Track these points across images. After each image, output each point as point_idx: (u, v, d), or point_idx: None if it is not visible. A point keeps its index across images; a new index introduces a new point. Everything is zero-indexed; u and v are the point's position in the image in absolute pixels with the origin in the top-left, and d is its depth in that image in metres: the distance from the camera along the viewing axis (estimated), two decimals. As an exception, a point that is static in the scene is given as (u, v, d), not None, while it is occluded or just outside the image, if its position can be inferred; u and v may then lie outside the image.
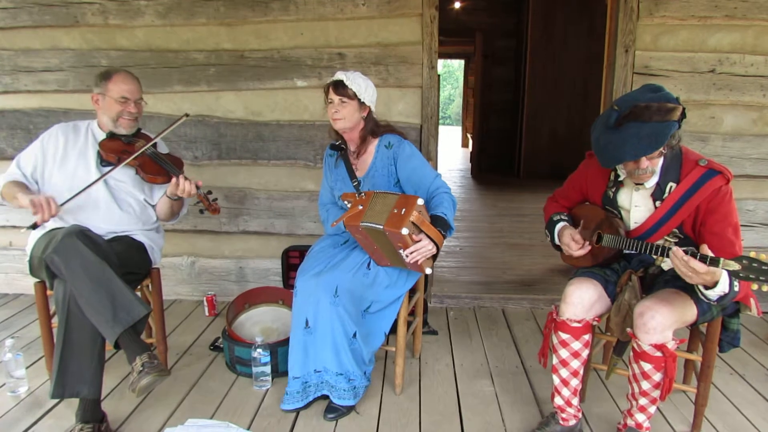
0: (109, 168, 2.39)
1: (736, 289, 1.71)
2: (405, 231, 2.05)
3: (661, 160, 1.90)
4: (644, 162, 1.85)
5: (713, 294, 1.72)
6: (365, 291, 2.28)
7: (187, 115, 2.57)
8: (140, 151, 2.38)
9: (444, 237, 2.22)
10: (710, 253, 1.63)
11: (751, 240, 3.35)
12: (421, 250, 2.14)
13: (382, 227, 2.10)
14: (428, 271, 2.25)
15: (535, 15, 7.93)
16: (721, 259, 1.60)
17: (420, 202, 2.12)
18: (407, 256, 2.16)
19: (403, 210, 2.10)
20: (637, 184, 1.96)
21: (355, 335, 2.25)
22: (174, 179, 2.36)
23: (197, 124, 3.42)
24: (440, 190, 2.34)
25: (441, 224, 2.21)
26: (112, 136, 2.45)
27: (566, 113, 8.12)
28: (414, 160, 2.40)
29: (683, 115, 1.80)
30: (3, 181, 2.36)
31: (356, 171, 2.48)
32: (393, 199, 2.19)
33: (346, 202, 2.31)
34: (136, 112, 2.45)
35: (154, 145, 2.49)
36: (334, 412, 2.30)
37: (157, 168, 2.44)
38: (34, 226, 2.17)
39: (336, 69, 3.21)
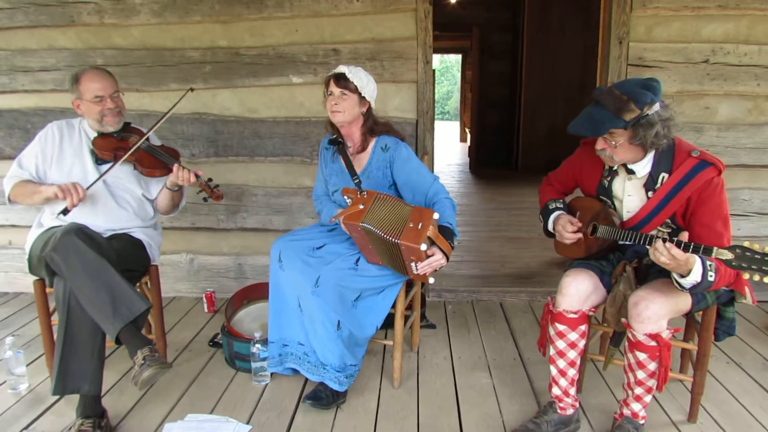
0: (108, 166, 2.39)
1: (711, 279, 1.72)
2: (423, 247, 2.05)
3: (651, 154, 1.93)
4: (599, 143, 1.92)
5: (686, 282, 1.74)
6: (353, 282, 2.27)
7: (191, 89, 2.57)
8: (136, 146, 2.38)
9: (452, 248, 2.23)
10: (685, 239, 1.68)
11: (746, 230, 3.36)
12: (433, 264, 2.16)
13: (398, 241, 2.09)
14: (432, 280, 2.27)
15: (531, 9, 7.92)
16: (715, 248, 1.62)
17: (436, 216, 2.12)
18: (417, 269, 2.17)
19: (420, 224, 2.09)
20: (629, 172, 1.98)
21: (339, 325, 2.24)
22: (174, 168, 2.37)
23: (194, 122, 3.42)
24: (440, 195, 2.34)
25: (449, 235, 2.22)
26: (103, 133, 2.46)
27: (563, 106, 8.10)
28: (411, 164, 2.39)
29: (638, 120, 1.80)
30: (10, 184, 2.37)
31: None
32: (407, 210, 2.18)
33: (346, 198, 2.31)
34: (115, 107, 2.42)
35: (148, 139, 2.48)
36: (318, 400, 2.31)
37: (155, 161, 2.44)
38: (65, 212, 2.22)
39: (331, 65, 3.22)
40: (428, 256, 2.14)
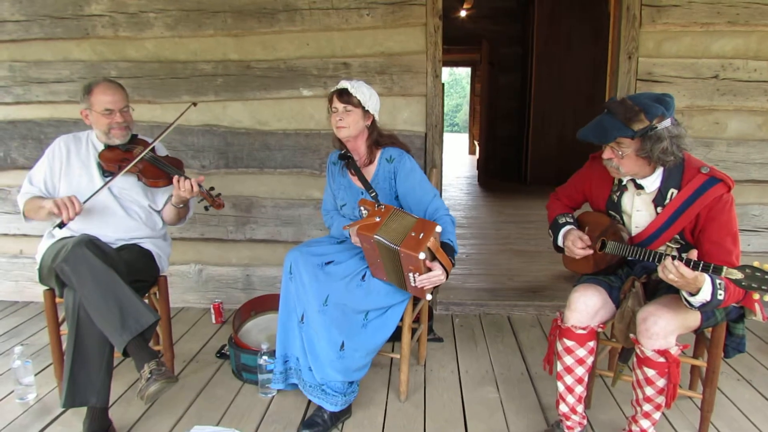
0: (110, 177, 2.40)
1: (720, 297, 1.70)
2: (422, 256, 2.05)
3: (660, 170, 1.92)
4: (606, 152, 1.93)
5: (695, 301, 1.73)
6: (360, 301, 2.28)
7: (194, 104, 2.59)
8: (139, 157, 2.39)
9: (453, 265, 2.24)
10: (694, 257, 1.67)
11: (757, 245, 3.34)
12: (432, 278, 2.16)
13: (397, 248, 2.09)
14: (429, 297, 2.26)
15: (540, 21, 7.95)
16: (724, 268, 1.61)
17: (438, 229, 2.13)
18: (415, 281, 2.16)
19: (422, 234, 2.10)
20: (637, 188, 1.98)
21: (342, 346, 2.23)
22: (174, 179, 2.37)
23: (205, 134, 3.46)
24: (440, 211, 2.35)
25: (449, 252, 2.23)
26: (110, 145, 2.48)
27: (572, 119, 8.10)
28: (414, 176, 2.40)
29: (646, 132, 1.80)
30: (22, 200, 2.41)
31: (358, 182, 2.47)
32: (411, 221, 2.19)
33: (362, 209, 2.31)
34: (123, 122, 2.43)
35: (153, 150, 2.50)
36: (314, 426, 2.25)
37: (158, 172, 2.46)
38: (61, 225, 2.22)
39: (341, 78, 3.23)
40: (427, 269, 2.14)
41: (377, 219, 2.21)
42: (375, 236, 2.15)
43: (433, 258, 2.15)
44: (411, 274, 2.17)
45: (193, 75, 3.39)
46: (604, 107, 1.92)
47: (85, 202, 2.27)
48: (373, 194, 2.40)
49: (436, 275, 2.15)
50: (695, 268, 1.65)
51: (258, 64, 3.36)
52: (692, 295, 1.72)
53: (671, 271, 1.67)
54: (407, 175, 2.39)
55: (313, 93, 3.36)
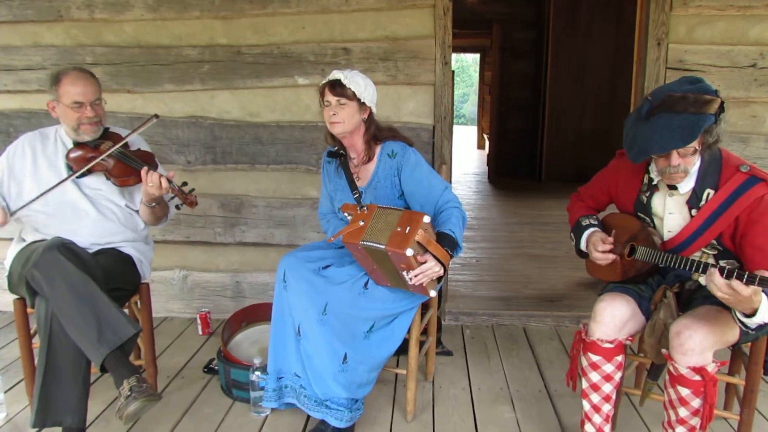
0: (70, 174, 2.36)
1: None
2: (410, 252, 2.03)
3: (697, 162, 1.90)
4: (675, 158, 1.84)
5: (752, 323, 1.69)
6: (364, 309, 2.26)
7: (156, 116, 2.49)
8: (103, 155, 2.35)
9: (451, 257, 2.20)
10: (765, 274, 1.57)
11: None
12: (426, 272, 2.12)
13: (383, 247, 2.08)
14: (433, 293, 2.24)
15: (557, 4, 7.94)
16: None
17: (426, 219, 2.09)
18: (411, 279, 2.15)
19: (408, 228, 2.07)
20: (670, 188, 1.96)
21: (345, 358, 2.23)
22: (142, 173, 2.30)
23: (190, 126, 3.45)
24: (450, 204, 2.32)
25: (448, 243, 2.18)
26: (78, 142, 2.43)
27: (592, 110, 8.10)
28: (420, 171, 2.38)
29: (721, 108, 1.79)
30: None
31: (357, 181, 2.46)
32: (396, 215, 2.16)
33: (346, 214, 2.30)
34: (94, 116, 2.37)
35: (125, 145, 2.44)
36: None
37: (126, 169, 2.40)
38: None
39: (341, 65, 3.24)
40: (420, 263, 2.11)
41: (361, 223, 2.19)
42: (362, 242, 2.14)
43: (425, 251, 2.12)
44: (404, 273, 2.15)
45: (177, 61, 3.38)
46: (648, 114, 1.85)
47: (13, 214, 2.24)
48: (356, 195, 2.39)
49: (429, 267, 2.12)
50: (750, 282, 1.56)
51: (249, 50, 3.34)
52: (747, 315, 1.68)
53: (719, 287, 1.60)
54: (413, 170, 2.38)
55: (309, 81, 3.35)
